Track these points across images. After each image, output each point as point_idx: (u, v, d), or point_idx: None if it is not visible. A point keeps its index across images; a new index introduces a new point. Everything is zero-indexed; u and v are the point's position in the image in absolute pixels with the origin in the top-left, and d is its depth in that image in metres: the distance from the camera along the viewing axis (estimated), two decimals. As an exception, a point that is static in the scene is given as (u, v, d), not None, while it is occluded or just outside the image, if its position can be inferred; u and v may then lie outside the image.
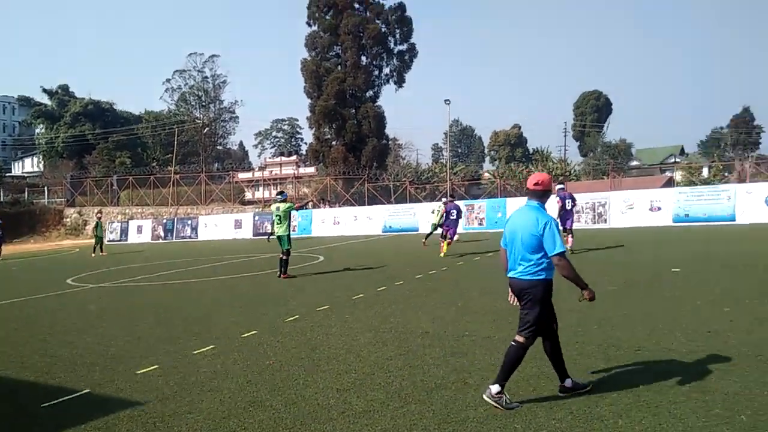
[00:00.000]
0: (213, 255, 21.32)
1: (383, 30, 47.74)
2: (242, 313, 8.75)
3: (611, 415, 3.93)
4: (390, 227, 28.64)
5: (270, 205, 24.73)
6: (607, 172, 44.90)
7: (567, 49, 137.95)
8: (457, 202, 17.87)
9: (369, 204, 34.90)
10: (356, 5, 48.42)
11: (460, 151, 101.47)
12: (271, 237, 13.42)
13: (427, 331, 6.69)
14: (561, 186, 14.39)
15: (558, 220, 10.20)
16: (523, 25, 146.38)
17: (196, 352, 6.43)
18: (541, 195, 4.52)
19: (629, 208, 22.07)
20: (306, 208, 31.00)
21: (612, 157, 61.17)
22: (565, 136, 66.55)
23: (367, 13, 48.12)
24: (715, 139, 76.25)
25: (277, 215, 12.64)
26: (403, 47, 49.05)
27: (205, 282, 13.19)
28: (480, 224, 25.74)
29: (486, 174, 62.95)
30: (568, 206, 13.83)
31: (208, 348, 6.56)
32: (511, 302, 4.61)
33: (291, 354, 6.09)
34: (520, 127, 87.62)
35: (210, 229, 35.13)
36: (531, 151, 79.22)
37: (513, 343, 4.36)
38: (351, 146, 46.26)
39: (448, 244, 15.27)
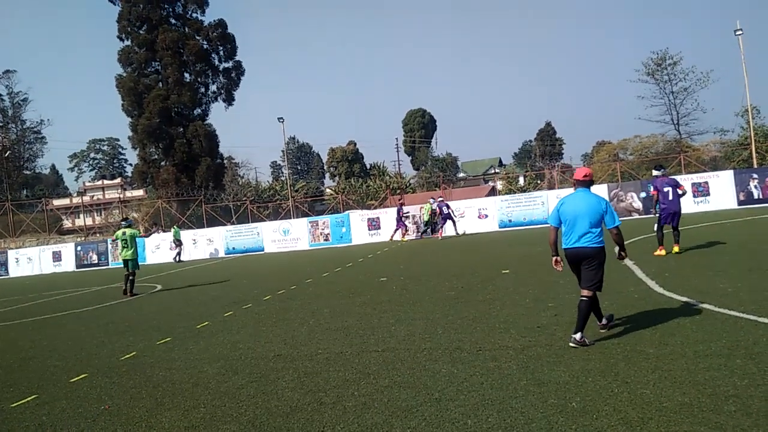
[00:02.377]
0: (29, 293, 18.75)
1: (205, 47, 46.30)
2: (69, 355, 7.76)
3: (461, 417, 4.10)
4: (233, 248, 27.60)
5: (114, 232, 23.70)
6: (439, 183, 47.95)
7: (393, 68, 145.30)
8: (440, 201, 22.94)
9: (208, 226, 33.29)
10: (172, 20, 46.37)
11: (299, 168, 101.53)
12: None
13: (280, 354, 6.49)
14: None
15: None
16: (352, 43, 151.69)
17: (14, 404, 5.55)
18: (589, 183, 5.83)
19: (461, 216, 23.71)
20: (155, 233, 29.22)
21: (441, 170, 65.48)
22: (397, 151, 69.94)
23: (186, 29, 46.30)
24: (526, 151, 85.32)
25: (123, 239, 13.83)
26: (229, 64, 48.05)
27: (20, 324, 11.50)
28: (326, 240, 25.88)
29: (328, 190, 63.67)
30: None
31: (29, 399, 5.71)
32: (560, 269, 5.90)
33: (130, 395, 5.52)
34: (356, 144, 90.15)
35: (23, 264, 31.03)
36: (368, 166, 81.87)
37: (583, 298, 5.59)
38: (183, 166, 43.93)
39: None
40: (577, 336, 5.48)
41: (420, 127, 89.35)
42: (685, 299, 6.88)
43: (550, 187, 37.08)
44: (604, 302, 6.99)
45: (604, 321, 5.97)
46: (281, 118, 41.19)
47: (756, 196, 20.82)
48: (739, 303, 6.44)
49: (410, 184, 58.27)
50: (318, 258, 19.86)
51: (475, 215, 23.70)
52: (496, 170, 76.44)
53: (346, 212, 28.81)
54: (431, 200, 23.62)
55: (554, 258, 5.87)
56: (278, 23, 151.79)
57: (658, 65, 38.10)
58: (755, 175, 21.25)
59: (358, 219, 25.76)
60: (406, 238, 22.98)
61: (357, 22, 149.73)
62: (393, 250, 19.43)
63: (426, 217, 22.78)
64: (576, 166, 54.91)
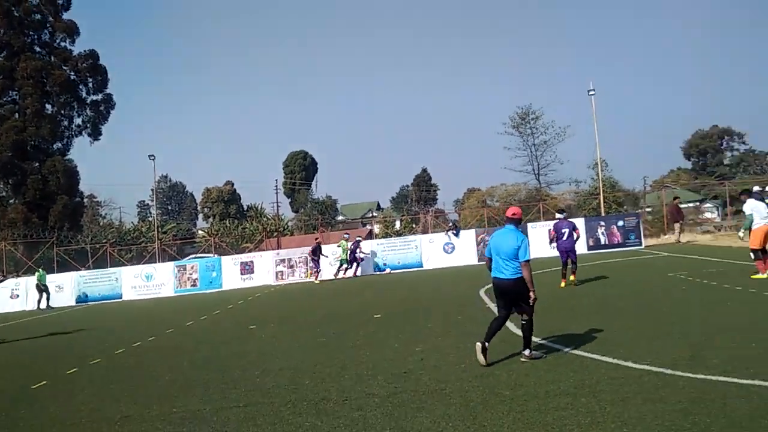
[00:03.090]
0: None
1: (72, 77, 43.15)
2: None
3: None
4: (86, 296, 25.16)
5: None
6: (317, 226, 47.80)
7: (275, 108, 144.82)
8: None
9: (59, 271, 30.16)
10: (37, 48, 42.93)
11: (170, 208, 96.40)
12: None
13: (128, 415, 5.88)
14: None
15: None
16: (234, 81, 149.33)
17: None
18: (516, 221, 6.60)
19: (337, 260, 23.65)
20: (14, 277, 25.64)
21: (320, 212, 65.49)
22: (276, 193, 68.95)
23: (52, 58, 43.01)
24: (403, 196, 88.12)
25: None
26: (98, 97, 44.97)
27: None
28: (194, 285, 24.50)
29: (200, 232, 60.84)
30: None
31: None
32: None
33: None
34: (233, 184, 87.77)
35: None
36: (245, 207, 79.79)
37: (523, 321, 6.38)
38: (35, 205, 39.82)
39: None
40: (526, 352, 6.37)
41: (301, 169, 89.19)
42: (540, 341, 7.28)
43: (425, 231, 38.38)
44: (467, 345, 7.21)
45: (486, 344, 6.43)
46: (152, 155, 38.98)
47: (602, 242, 23.02)
48: (586, 344, 6.94)
49: (288, 227, 57.52)
50: (184, 305, 18.69)
51: (328, 261, 23.72)
52: (374, 213, 78.02)
53: (218, 257, 27.62)
54: (346, 235, 23.76)
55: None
56: (158, 56, 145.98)
57: (523, 119, 41.36)
58: (602, 222, 23.57)
59: (230, 263, 24.75)
60: (319, 279, 22.30)
61: (240, 61, 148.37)
62: (266, 295, 18.83)
63: (343, 255, 22.60)
64: (448, 212, 57.54)
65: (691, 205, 37.11)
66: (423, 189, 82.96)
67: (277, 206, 64.35)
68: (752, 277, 10.91)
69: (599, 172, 31.73)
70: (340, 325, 10.56)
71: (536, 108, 41.66)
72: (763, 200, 11.56)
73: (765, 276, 10.71)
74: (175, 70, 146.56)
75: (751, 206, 11.17)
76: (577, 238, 12.79)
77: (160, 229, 49.07)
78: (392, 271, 23.09)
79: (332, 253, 22.94)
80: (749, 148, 72.41)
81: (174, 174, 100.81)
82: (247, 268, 24.47)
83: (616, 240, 22.95)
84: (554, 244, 13.04)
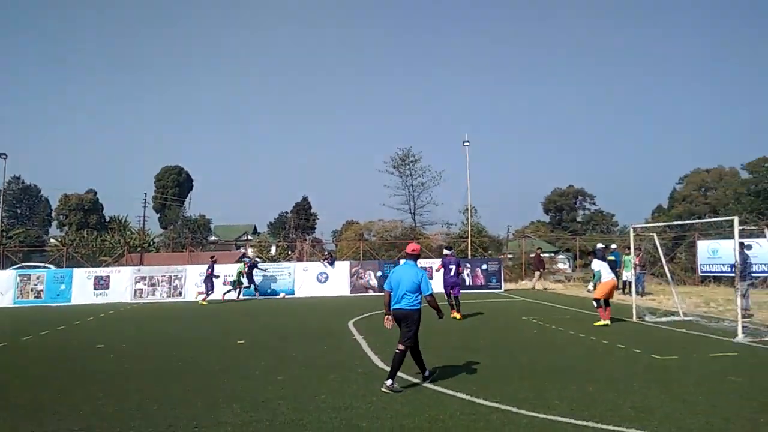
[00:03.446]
0: None
1: None
2: None
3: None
4: None
5: None
6: (186, 245, 45.49)
7: (150, 121, 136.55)
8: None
9: None
10: None
11: (20, 212, 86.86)
12: None
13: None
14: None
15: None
16: (114, 88, 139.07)
17: None
18: (415, 257, 7.21)
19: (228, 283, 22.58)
20: None
21: (191, 231, 62.56)
22: (144, 206, 64.79)
23: None
24: (281, 222, 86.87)
25: None
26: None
27: None
28: (37, 297, 22.07)
29: (52, 240, 55.33)
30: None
31: None
32: (390, 326, 6.87)
33: None
34: (96, 193, 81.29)
35: None
36: (108, 218, 74.06)
37: (397, 351, 6.68)
38: None
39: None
40: (388, 382, 6.55)
41: (174, 185, 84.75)
42: (402, 374, 7.43)
43: (300, 259, 37.97)
44: (329, 376, 7.18)
45: (427, 373, 7.09)
46: (4, 154, 34.94)
47: (468, 283, 24.22)
48: (443, 379, 7.19)
49: (154, 243, 54.08)
50: (23, 318, 16.75)
51: (221, 281, 22.84)
52: (250, 237, 75.93)
53: (69, 268, 25.20)
54: (247, 259, 23.65)
55: (386, 316, 6.92)
56: (13, 40, 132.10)
57: (403, 160, 43.00)
58: (468, 264, 24.83)
59: (83, 276, 22.66)
60: (206, 300, 20.89)
61: (122, 69, 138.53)
62: (120, 313, 17.43)
63: (235, 277, 21.91)
64: (326, 241, 57.57)
65: (547, 255, 40.28)
66: (302, 217, 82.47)
67: (144, 220, 60.59)
68: (595, 324, 12.09)
69: (469, 217, 33.68)
70: (199, 350, 10.04)
71: (416, 151, 43.62)
72: (604, 258, 13.29)
73: (606, 323, 11.99)
74: (35, 60, 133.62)
75: (598, 264, 12.60)
76: (461, 273, 14.32)
77: (5, 234, 43.97)
78: (286, 296, 22.66)
79: (227, 275, 22.17)
80: (598, 208, 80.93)
81: (29, 176, 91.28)
82: (101, 283, 22.54)
83: (479, 282, 24.26)
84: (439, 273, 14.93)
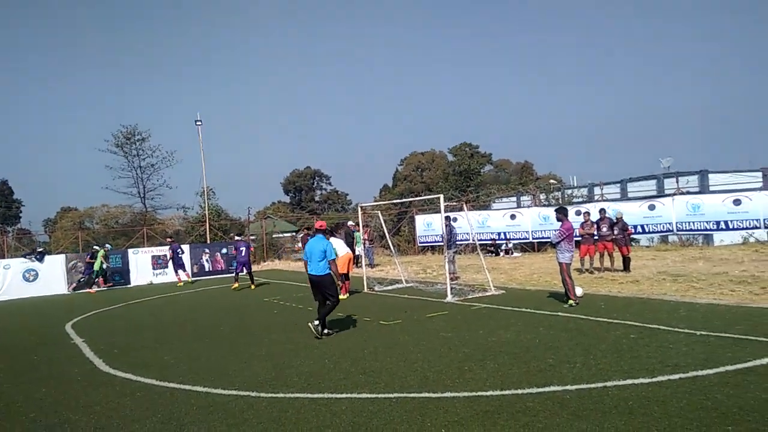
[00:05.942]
0: None
1: None
2: None
3: None
4: None
5: None
6: None
7: None
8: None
9: None
10: None
11: None
12: None
13: None
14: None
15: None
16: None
17: None
18: (323, 231, 9.06)
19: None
20: None
21: None
22: None
23: None
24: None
25: None
26: None
27: None
28: None
29: None
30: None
31: None
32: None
33: None
34: None
35: None
36: None
37: (328, 302, 8.59)
38: None
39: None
40: (316, 322, 8.40)
41: None
42: (128, 375, 6.76)
43: (2, 256, 31.88)
44: (40, 391, 6.19)
45: (326, 332, 8.54)
46: None
47: (207, 269, 23.36)
48: (179, 374, 6.76)
49: None
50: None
51: None
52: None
53: None
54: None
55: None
56: None
57: (128, 139, 38.97)
58: (207, 250, 23.92)
59: None
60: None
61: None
62: None
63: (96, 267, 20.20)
64: (38, 234, 49.46)
65: (287, 234, 41.05)
66: (2, 205, 69.58)
67: None
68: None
69: (206, 199, 32.36)
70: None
71: (143, 129, 40.15)
72: (352, 234, 16.52)
73: (345, 297, 12.62)
74: None
75: (333, 241, 13.22)
76: (252, 254, 17.84)
77: None
78: None
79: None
80: (334, 188, 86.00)
81: None
82: None
83: (219, 267, 23.64)
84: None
